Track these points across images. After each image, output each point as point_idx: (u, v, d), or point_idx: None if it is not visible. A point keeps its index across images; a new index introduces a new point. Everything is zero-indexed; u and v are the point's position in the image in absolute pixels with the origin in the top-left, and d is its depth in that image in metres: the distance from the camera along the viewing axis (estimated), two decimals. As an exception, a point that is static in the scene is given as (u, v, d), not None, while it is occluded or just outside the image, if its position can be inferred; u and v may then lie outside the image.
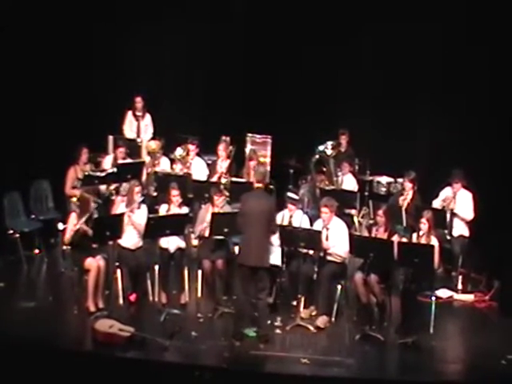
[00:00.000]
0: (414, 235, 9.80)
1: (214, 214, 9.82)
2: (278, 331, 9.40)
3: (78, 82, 12.65)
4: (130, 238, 9.95)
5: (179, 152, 11.70)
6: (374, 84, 13.08)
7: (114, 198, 10.99)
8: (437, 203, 11.05)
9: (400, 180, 12.07)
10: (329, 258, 9.77)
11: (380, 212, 9.89)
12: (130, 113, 12.74)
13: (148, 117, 12.84)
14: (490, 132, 12.00)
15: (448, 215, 10.80)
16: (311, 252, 9.75)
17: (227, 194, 10.83)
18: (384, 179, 12.78)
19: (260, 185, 9.31)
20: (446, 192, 11.08)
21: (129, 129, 12.76)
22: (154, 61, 13.66)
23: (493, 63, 12.13)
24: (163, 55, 13.71)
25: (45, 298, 10.11)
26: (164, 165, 11.84)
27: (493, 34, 12.00)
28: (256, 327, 9.18)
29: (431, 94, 12.83)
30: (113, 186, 11.12)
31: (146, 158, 11.95)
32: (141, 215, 10.00)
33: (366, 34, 13.12)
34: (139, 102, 12.69)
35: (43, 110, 12.20)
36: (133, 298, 9.95)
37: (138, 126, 12.76)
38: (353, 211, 11.55)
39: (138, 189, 10.10)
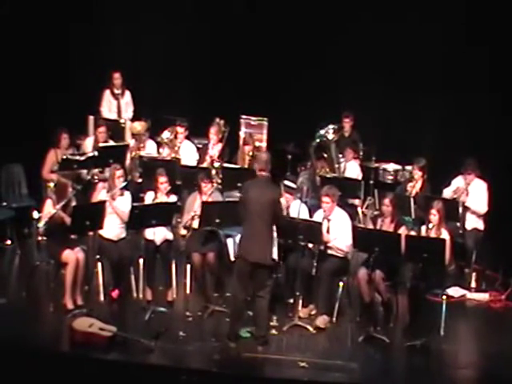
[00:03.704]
0: (423, 228, 9.77)
1: (204, 203, 9.77)
2: (273, 332, 9.36)
3: (54, 61, 12.73)
4: (113, 229, 9.88)
5: (166, 135, 11.66)
6: (382, 64, 13.08)
7: (96, 181, 10.95)
8: (448, 193, 11.02)
9: (408, 168, 12.07)
10: (330, 252, 9.75)
11: (386, 201, 9.82)
12: (107, 92, 12.67)
13: (128, 94, 12.78)
14: (507, 119, 12.01)
15: (460, 208, 10.76)
16: (310, 245, 9.70)
17: (219, 180, 10.80)
18: (391, 166, 12.75)
19: (264, 173, 9.18)
20: (458, 181, 11.05)
21: (107, 109, 12.70)
22: (137, 34, 13.65)
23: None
24: (146, 29, 13.69)
25: (17, 293, 10.05)
26: (150, 148, 11.80)
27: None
28: (251, 327, 9.14)
29: (441, 78, 12.87)
30: (96, 170, 11.06)
31: (131, 141, 11.91)
32: (124, 203, 9.94)
33: (373, 16, 13.14)
34: (118, 78, 12.61)
35: (16, 90, 12.20)
36: (115, 294, 9.90)
37: (118, 105, 12.70)
38: (356, 201, 11.55)
39: (119, 173, 10.03)
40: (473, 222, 10.92)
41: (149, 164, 11.12)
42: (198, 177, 10.16)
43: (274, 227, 9.30)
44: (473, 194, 10.93)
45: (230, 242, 10.03)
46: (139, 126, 11.92)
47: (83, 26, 13.05)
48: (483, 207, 10.92)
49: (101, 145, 11.36)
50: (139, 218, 9.48)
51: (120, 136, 12.14)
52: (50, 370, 8.52)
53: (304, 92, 13.23)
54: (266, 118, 13.07)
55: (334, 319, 9.69)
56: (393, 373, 9.05)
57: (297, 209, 9.86)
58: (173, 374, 8.57)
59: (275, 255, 9.67)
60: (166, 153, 11.61)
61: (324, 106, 12.69)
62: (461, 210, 10.76)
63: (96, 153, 11.07)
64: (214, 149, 11.71)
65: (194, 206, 9.99)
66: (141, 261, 9.90)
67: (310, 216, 10.00)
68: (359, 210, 11.61)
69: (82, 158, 10.96)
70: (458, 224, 10.78)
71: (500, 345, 9.39)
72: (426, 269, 9.32)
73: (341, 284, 9.78)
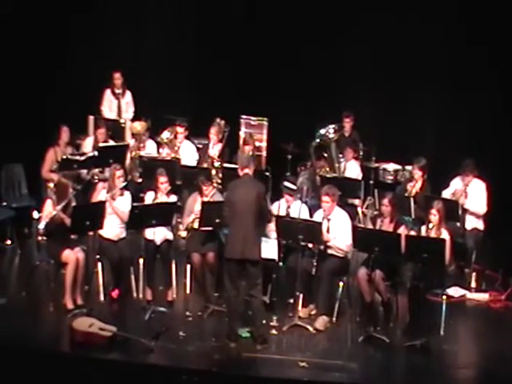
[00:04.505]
0: (423, 228, 9.75)
1: (204, 204, 9.76)
2: (273, 332, 9.35)
3: (55, 61, 12.76)
4: (113, 229, 9.87)
5: (166, 135, 11.65)
6: (382, 64, 13.09)
7: (96, 181, 10.95)
8: (447, 194, 11.00)
9: (408, 168, 12.04)
10: (330, 251, 9.73)
11: (385, 201, 9.80)
12: (108, 91, 12.67)
13: (128, 94, 12.78)
14: (507, 119, 12.01)
15: (460, 210, 10.74)
16: (310, 245, 9.69)
17: (219, 181, 10.79)
18: (391, 166, 12.73)
19: (247, 170, 9.19)
20: (456, 183, 11.03)
21: (108, 109, 12.70)
22: (137, 34, 13.66)
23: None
24: (147, 29, 13.70)
25: (17, 293, 10.03)
26: (150, 148, 11.79)
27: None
28: (249, 327, 9.14)
29: (441, 78, 12.91)
30: (96, 170, 11.06)
31: (131, 141, 11.91)
32: (124, 203, 9.93)
33: (373, 16, 13.12)
34: (118, 78, 12.61)
35: (17, 90, 12.22)
36: (115, 294, 9.89)
37: (119, 105, 12.69)
38: (356, 201, 11.53)
39: (119, 173, 10.02)
40: (473, 222, 10.89)
41: (149, 164, 11.12)
42: (199, 179, 10.14)
43: (272, 225, 9.34)
44: (472, 194, 10.90)
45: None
46: (139, 125, 11.91)
47: (84, 26, 13.06)
48: (482, 208, 10.90)
49: (101, 145, 11.35)
50: (139, 218, 9.48)
51: (120, 136, 12.13)
52: (50, 369, 8.51)
53: (304, 92, 13.22)
54: (266, 118, 13.05)
55: (334, 319, 9.67)
56: (393, 373, 9.04)
57: (297, 210, 9.85)
58: (173, 374, 8.56)
59: (275, 255, 9.69)
60: (165, 153, 11.61)
61: (324, 106, 12.69)
62: (460, 211, 10.75)
63: (96, 153, 11.07)
64: (215, 149, 11.70)
65: (194, 207, 9.97)
66: (141, 261, 9.88)
67: (310, 216, 9.99)
68: (359, 209, 11.59)
69: (82, 158, 10.96)
70: (458, 224, 10.76)
71: (500, 345, 9.36)
72: (425, 269, 9.30)
73: (341, 284, 9.77)
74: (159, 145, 11.81)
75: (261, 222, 9.09)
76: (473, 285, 10.81)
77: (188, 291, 10.07)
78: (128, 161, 11.45)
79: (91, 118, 12.38)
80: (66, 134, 11.42)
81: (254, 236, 8.94)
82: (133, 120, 12.45)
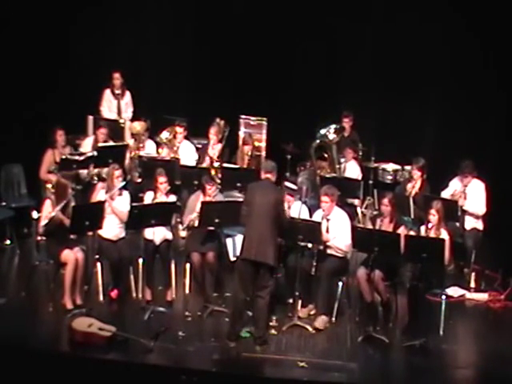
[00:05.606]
0: (423, 228, 9.76)
1: (203, 203, 9.76)
2: (273, 332, 9.35)
3: (54, 61, 12.77)
4: (112, 229, 9.87)
5: (166, 135, 11.66)
6: (381, 65, 13.08)
7: (95, 182, 10.95)
8: (446, 194, 10.99)
9: (408, 168, 12.06)
10: (329, 251, 9.73)
11: (385, 201, 9.80)
12: (107, 91, 12.66)
13: (128, 94, 12.76)
14: (507, 118, 12.03)
15: (459, 211, 10.74)
16: (310, 245, 9.69)
17: (218, 181, 10.81)
18: (390, 166, 12.73)
19: (269, 175, 9.20)
20: (455, 183, 11.02)
21: (107, 109, 12.68)
22: (137, 34, 13.66)
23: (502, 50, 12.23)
24: (146, 27, 13.71)
25: (17, 293, 10.02)
26: (149, 148, 11.80)
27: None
28: (250, 327, 9.14)
29: (441, 79, 12.90)
30: (95, 171, 11.06)
31: (130, 141, 11.92)
32: (123, 203, 9.93)
33: (373, 16, 13.15)
34: (118, 78, 12.60)
35: (16, 90, 12.24)
36: (114, 294, 9.88)
37: (118, 105, 12.68)
38: (356, 201, 11.54)
39: (117, 172, 10.02)
40: (472, 222, 10.90)
41: (148, 164, 11.11)
42: (203, 178, 10.14)
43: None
44: (471, 195, 10.88)
45: (229, 242, 10.04)
46: (139, 125, 11.92)
47: (83, 26, 13.06)
48: (481, 208, 10.89)
49: (100, 144, 11.35)
50: (138, 218, 9.48)
51: (119, 136, 12.13)
52: (50, 370, 8.51)
53: (304, 92, 13.22)
54: (265, 118, 13.06)
55: (334, 319, 9.68)
56: (392, 373, 9.04)
57: (297, 210, 9.85)
58: (173, 374, 8.56)
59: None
60: (165, 153, 11.61)
61: (324, 106, 12.70)
62: (459, 212, 10.74)
63: (95, 153, 11.08)
64: (214, 149, 11.72)
65: (196, 205, 9.95)
66: (140, 261, 9.87)
67: (310, 216, 9.99)
68: (358, 209, 11.61)
69: (81, 158, 10.96)
70: (458, 224, 10.76)
71: (499, 345, 9.37)
72: (425, 269, 9.31)
73: (340, 284, 9.77)
74: (158, 145, 11.82)
75: (277, 227, 9.05)
76: (472, 285, 10.81)
77: (187, 291, 10.07)
78: (127, 161, 11.45)
79: (90, 118, 12.38)
80: (62, 137, 11.40)
81: (268, 240, 8.92)
82: (132, 120, 12.45)
